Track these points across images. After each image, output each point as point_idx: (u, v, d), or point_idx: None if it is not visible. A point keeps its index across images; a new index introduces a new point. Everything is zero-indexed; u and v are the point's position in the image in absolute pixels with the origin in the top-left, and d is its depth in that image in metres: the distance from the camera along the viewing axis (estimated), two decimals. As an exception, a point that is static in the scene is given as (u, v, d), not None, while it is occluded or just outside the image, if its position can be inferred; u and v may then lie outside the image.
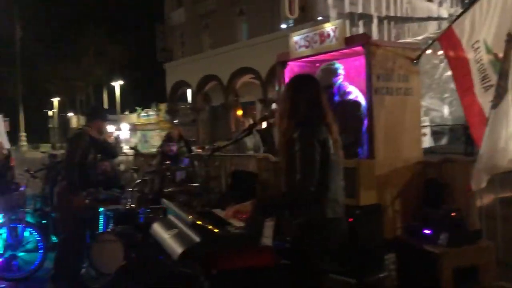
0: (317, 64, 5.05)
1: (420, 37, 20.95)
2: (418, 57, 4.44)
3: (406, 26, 22.60)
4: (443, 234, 3.28)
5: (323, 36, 4.45)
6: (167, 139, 7.51)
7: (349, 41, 4.32)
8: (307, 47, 4.66)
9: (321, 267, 2.69)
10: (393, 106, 4.28)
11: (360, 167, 3.82)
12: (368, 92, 4.17)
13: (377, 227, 3.76)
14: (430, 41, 5.88)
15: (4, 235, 5.77)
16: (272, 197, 2.70)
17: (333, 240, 2.70)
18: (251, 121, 8.45)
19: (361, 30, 19.44)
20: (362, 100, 4.45)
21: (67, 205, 4.67)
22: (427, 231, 3.43)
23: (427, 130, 19.83)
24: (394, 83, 4.29)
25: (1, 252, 5.82)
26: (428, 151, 16.77)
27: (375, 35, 18.12)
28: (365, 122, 4.46)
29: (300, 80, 2.93)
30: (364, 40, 4.23)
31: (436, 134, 20.76)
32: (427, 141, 19.47)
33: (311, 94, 2.75)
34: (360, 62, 4.71)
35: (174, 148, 6.88)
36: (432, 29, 23.06)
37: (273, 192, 5.77)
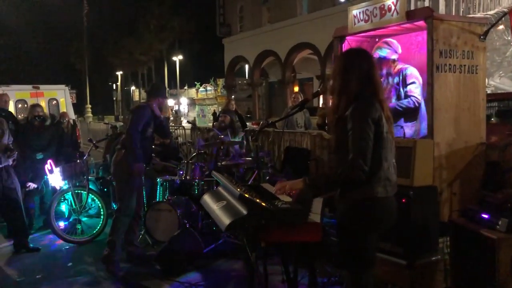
0: (376, 39, 4.89)
1: (491, 12, 19.59)
2: (486, 33, 4.17)
3: (477, 0, 21.25)
4: (502, 219, 3.12)
5: (384, 10, 4.28)
6: (225, 111, 7.61)
7: (411, 15, 4.12)
8: (366, 21, 4.50)
9: (369, 246, 2.64)
10: (455, 84, 4.07)
11: (417, 147, 3.68)
12: (429, 69, 3.98)
13: (431, 209, 3.64)
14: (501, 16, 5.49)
15: (69, 200, 6.15)
16: (325, 175, 2.64)
17: (382, 219, 2.65)
18: (301, 97, 8.31)
19: (426, 3, 18.49)
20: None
21: (126, 173, 4.82)
22: (485, 216, 3.27)
23: (494, 112, 18.74)
24: (458, 60, 4.07)
25: (66, 215, 6.23)
26: (493, 133, 15.92)
27: (442, 9, 17.15)
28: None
29: (351, 54, 2.82)
30: (426, 14, 4.02)
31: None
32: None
33: (363, 69, 2.64)
34: (422, 37, 4.50)
35: (227, 119, 6.90)
36: (506, 2, 21.51)
37: (326, 170, 5.75)
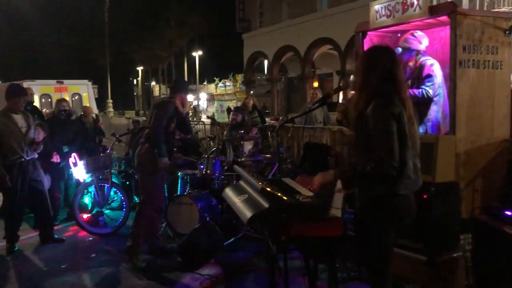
0: (399, 35, 4.85)
1: (517, 6, 19.21)
2: (511, 28, 4.11)
3: (502, -6, 20.81)
4: (526, 217, 3.10)
5: (406, 5, 4.24)
6: (237, 109, 7.59)
7: (434, 10, 4.08)
8: (388, 16, 4.47)
9: (388, 241, 2.65)
10: (479, 80, 4.03)
11: (439, 143, 3.65)
12: (452, 64, 3.94)
13: (453, 206, 3.61)
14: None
15: (92, 193, 6.28)
16: (354, 170, 2.64)
17: (402, 216, 2.65)
18: (320, 92, 8.25)
19: (450, -2, 18.21)
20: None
21: (149, 166, 4.88)
22: (508, 213, 3.24)
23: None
24: (482, 56, 4.02)
25: (89, 208, 6.36)
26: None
27: (465, 4, 16.84)
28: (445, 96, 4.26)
29: (373, 51, 2.80)
30: (450, 9, 3.98)
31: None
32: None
33: (385, 66, 2.63)
34: (445, 32, 4.45)
35: (238, 118, 6.90)
36: (532, -4, 21.02)
37: (346, 166, 5.74)
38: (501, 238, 3.22)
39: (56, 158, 6.17)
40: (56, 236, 5.80)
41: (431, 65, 4.31)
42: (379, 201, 2.60)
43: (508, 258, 3.16)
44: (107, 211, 6.38)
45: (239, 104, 20.29)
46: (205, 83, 47.41)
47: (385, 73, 2.62)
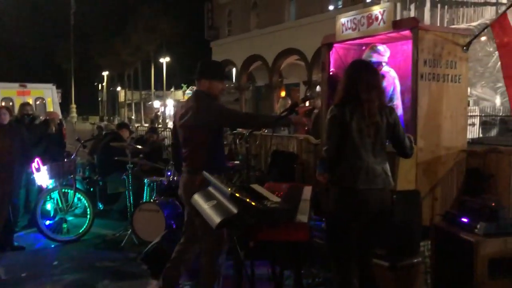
0: (363, 47, 5.01)
1: (474, 23, 20.03)
2: (468, 44, 4.33)
3: (461, 11, 21.68)
4: (481, 223, 3.25)
5: (371, 19, 4.41)
6: None
7: (397, 25, 4.26)
8: (354, 29, 4.63)
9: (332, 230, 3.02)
10: (439, 92, 4.22)
11: (399, 153, 3.79)
12: (414, 77, 4.12)
13: (414, 213, 3.74)
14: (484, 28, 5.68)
15: (55, 199, 6.14)
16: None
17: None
18: (289, 102, 8.40)
19: (412, 14, 18.82)
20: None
21: None
22: (464, 219, 3.40)
23: (476, 120, 19.12)
24: (442, 69, 4.22)
25: (52, 214, 6.22)
26: (476, 142, 16.25)
27: (427, 19, 17.45)
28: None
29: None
30: (412, 24, 4.16)
31: (485, 125, 19.99)
32: (475, 132, 18.81)
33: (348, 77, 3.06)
34: (408, 46, 4.64)
35: None
36: (488, 14, 22.00)
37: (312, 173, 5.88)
38: (458, 243, 3.36)
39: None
40: (16, 243, 5.63)
41: (384, 72, 4.47)
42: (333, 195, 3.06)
43: (464, 262, 3.31)
44: (70, 218, 6.25)
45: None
46: (172, 89, 47.08)
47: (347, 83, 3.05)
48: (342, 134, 2.95)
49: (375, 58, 4.54)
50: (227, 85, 33.46)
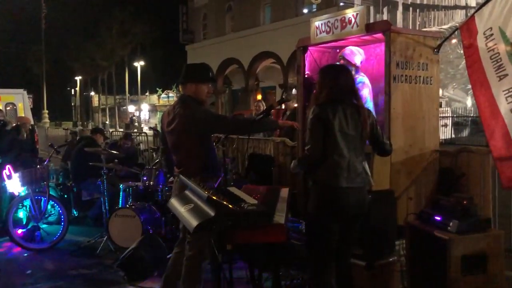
0: (338, 50, 5.07)
1: (445, 26, 20.57)
2: (439, 46, 4.43)
3: (432, 14, 22.21)
4: (453, 221, 3.32)
5: (344, 22, 4.46)
6: None
7: (370, 28, 4.33)
8: (328, 32, 4.68)
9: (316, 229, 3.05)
10: (411, 94, 4.30)
11: (375, 153, 3.85)
12: (387, 79, 4.19)
13: (389, 212, 3.81)
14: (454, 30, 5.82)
15: (28, 207, 6.00)
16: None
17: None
18: (263, 105, 8.42)
19: (385, 17, 19.17)
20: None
21: None
22: (437, 218, 3.47)
23: (449, 121, 19.57)
24: (414, 71, 4.30)
25: (25, 222, 6.07)
26: (448, 142, 16.62)
27: (399, 22, 17.78)
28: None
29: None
30: (384, 27, 4.23)
31: (457, 126, 20.48)
32: (448, 132, 19.24)
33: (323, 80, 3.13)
34: (380, 49, 4.72)
35: None
36: (458, 18, 22.61)
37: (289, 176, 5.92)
38: (432, 241, 3.43)
39: None
40: (-13, 252, 5.49)
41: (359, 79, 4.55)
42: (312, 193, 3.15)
43: (437, 259, 3.37)
44: (43, 226, 6.11)
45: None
46: (147, 93, 46.64)
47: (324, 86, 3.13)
48: (324, 133, 3.01)
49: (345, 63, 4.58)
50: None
